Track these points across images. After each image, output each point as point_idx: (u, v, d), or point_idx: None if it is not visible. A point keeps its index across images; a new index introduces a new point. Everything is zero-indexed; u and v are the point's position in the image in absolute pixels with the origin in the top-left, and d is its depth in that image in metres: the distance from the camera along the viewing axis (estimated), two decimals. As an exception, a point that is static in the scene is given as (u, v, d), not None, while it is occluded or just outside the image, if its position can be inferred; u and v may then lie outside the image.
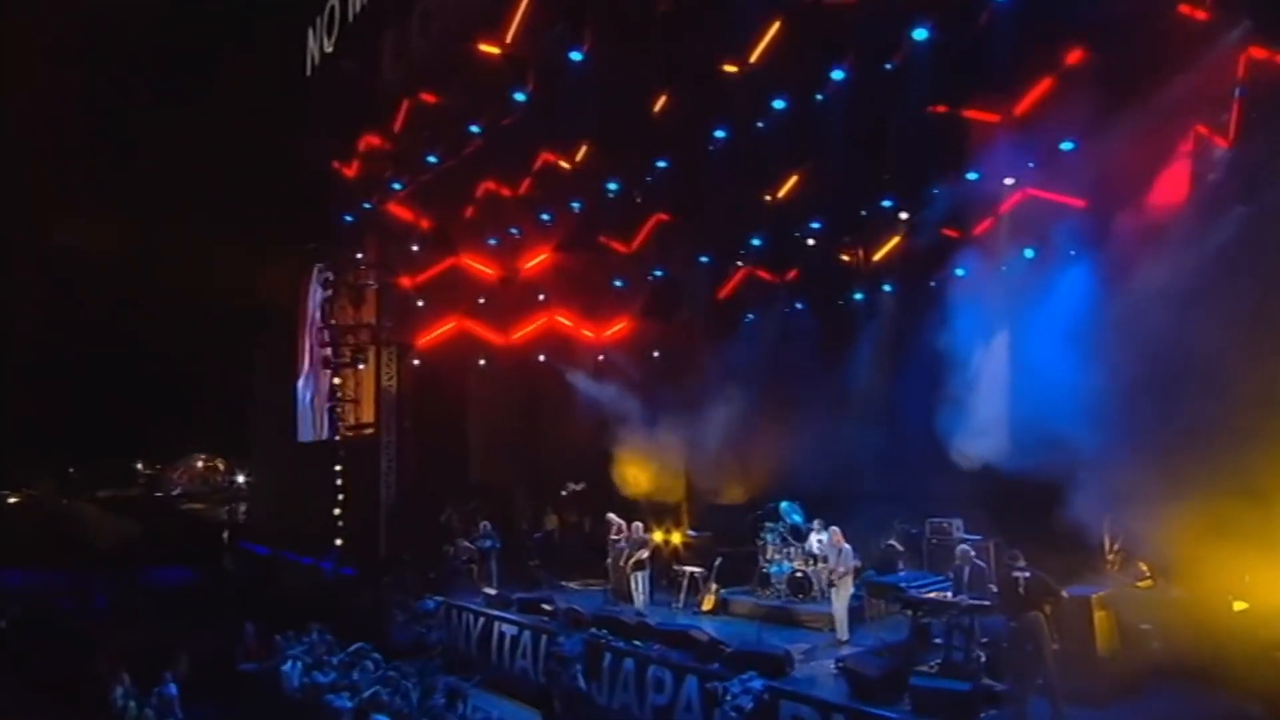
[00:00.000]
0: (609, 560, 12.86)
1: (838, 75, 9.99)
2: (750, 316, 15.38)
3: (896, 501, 11.87)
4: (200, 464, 34.12)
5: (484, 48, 11.94)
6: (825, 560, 10.72)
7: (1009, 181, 10.61)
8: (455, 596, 13.65)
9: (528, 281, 16.22)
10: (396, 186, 15.61)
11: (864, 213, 13.09)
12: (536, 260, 16.03)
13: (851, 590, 10.20)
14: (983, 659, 7.99)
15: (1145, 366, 8.16)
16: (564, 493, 16.09)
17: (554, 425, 17.48)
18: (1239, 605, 7.82)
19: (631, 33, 10.83)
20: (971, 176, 10.71)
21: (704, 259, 15.47)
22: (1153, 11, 8.36)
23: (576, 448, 16.44)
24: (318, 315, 18.76)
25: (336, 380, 18.01)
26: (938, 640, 8.58)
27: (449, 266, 16.32)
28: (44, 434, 26.55)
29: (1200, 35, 8.30)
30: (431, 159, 14.16)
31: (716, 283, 15.56)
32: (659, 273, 15.98)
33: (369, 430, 17.98)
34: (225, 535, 25.07)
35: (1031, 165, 10.20)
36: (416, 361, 17.38)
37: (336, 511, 17.78)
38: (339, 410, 17.93)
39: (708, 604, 11.93)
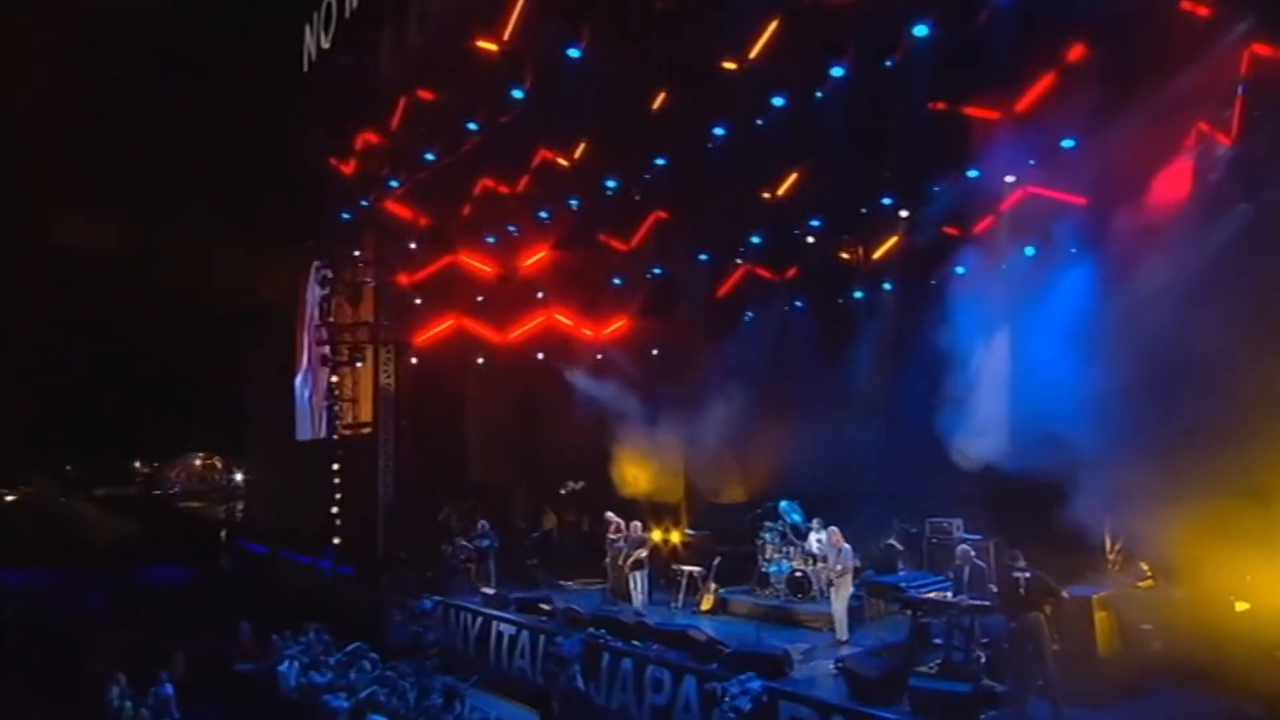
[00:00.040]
0: (607, 559, 12.82)
1: (837, 72, 9.91)
2: (750, 315, 15.35)
3: (896, 501, 11.84)
4: (198, 462, 34.08)
5: (481, 45, 11.86)
6: (824, 560, 10.68)
7: (1010, 179, 10.56)
8: (453, 596, 13.61)
9: (526, 280, 16.16)
10: (394, 184, 15.53)
11: (864, 210, 13.07)
12: (535, 258, 15.97)
13: (851, 590, 10.16)
14: (983, 659, 7.96)
15: (1146, 365, 8.12)
16: (563, 491, 16.04)
17: (552, 424, 17.44)
18: (1241, 605, 7.79)
19: (630, 30, 10.76)
20: (972, 174, 10.68)
21: (703, 257, 15.43)
22: (1155, 8, 8.31)
23: (575, 447, 16.40)
24: (315, 313, 18.68)
25: (334, 379, 17.95)
26: (937, 640, 8.55)
27: (447, 264, 16.26)
28: (41, 432, 26.51)
29: (1203, 32, 8.24)
30: (429, 156, 14.07)
31: (716, 281, 15.53)
32: (658, 271, 15.94)
33: (367, 429, 17.93)
34: (223, 534, 25.02)
35: (1032, 163, 10.16)
36: (414, 360, 17.32)
37: (334, 510, 17.73)
38: (337, 409, 17.87)
39: (706, 603, 11.90)
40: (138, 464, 33.69)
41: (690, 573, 12.33)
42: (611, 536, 12.80)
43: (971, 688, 7.61)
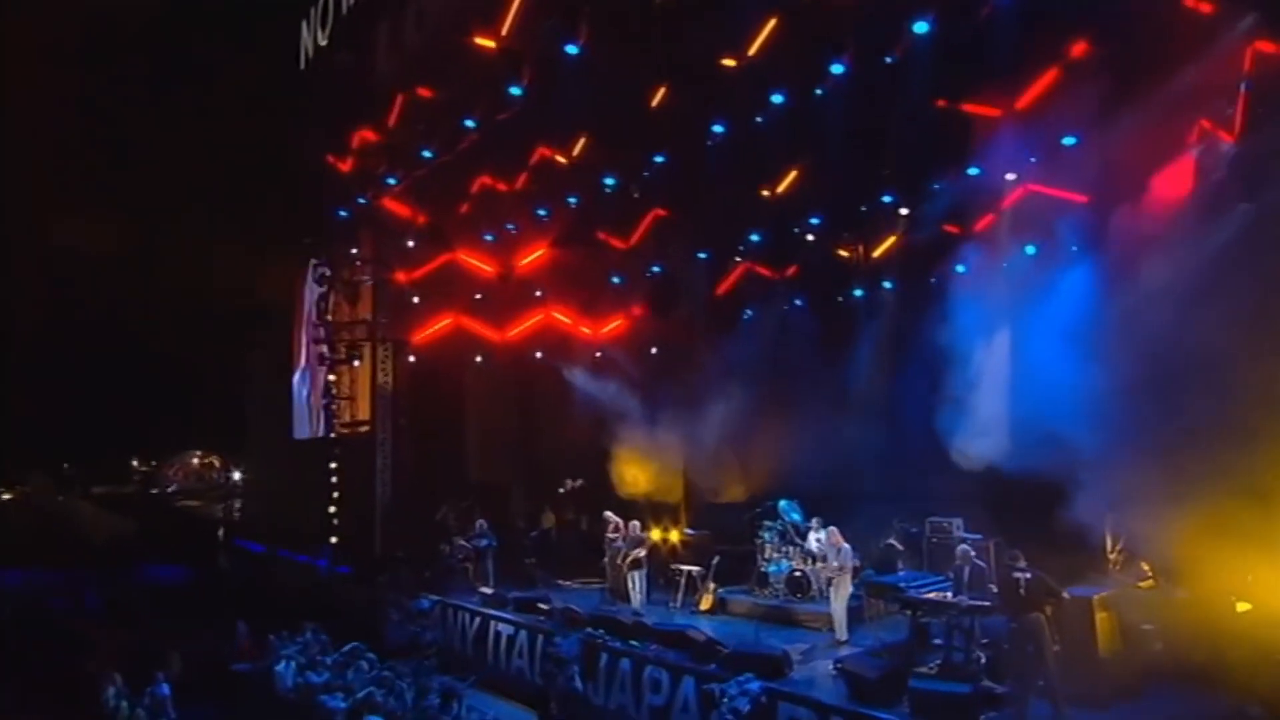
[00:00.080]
0: (606, 559, 12.77)
1: (837, 69, 9.86)
2: (749, 313, 15.30)
3: (896, 500, 11.80)
4: (196, 461, 33.99)
5: (479, 41, 11.80)
6: (824, 559, 10.64)
7: (1010, 177, 10.51)
8: (451, 595, 13.56)
9: (524, 278, 16.11)
10: (391, 181, 15.47)
11: (864, 208, 13.01)
12: (533, 256, 15.91)
13: (850, 590, 10.12)
14: (983, 660, 7.92)
15: (1147, 365, 8.08)
16: (561, 490, 16.00)
17: (551, 423, 17.40)
18: (1242, 606, 7.74)
19: (629, 27, 10.70)
20: (972, 172, 10.64)
21: (702, 255, 15.38)
22: (1156, 4, 8.25)
23: (574, 445, 16.36)
24: (313, 312, 18.62)
25: (332, 377, 17.88)
26: (937, 641, 8.51)
27: (445, 262, 16.21)
28: (39, 431, 26.47)
29: (1205, 29, 8.18)
30: (427, 154, 14.01)
31: (715, 279, 15.47)
32: (657, 269, 15.89)
33: (364, 428, 17.87)
34: (220, 533, 24.96)
35: (1033, 160, 10.11)
36: (412, 358, 17.28)
37: (332, 509, 17.67)
38: (334, 407, 17.80)
39: (705, 603, 11.86)
40: (135, 462, 33.63)
41: (689, 572, 12.29)
42: (610, 536, 12.76)
43: (971, 688, 7.57)
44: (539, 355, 16.80)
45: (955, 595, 8.42)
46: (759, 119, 10.88)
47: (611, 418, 15.28)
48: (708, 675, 8.96)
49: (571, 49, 10.66)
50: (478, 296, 16.46)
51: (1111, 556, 9.00)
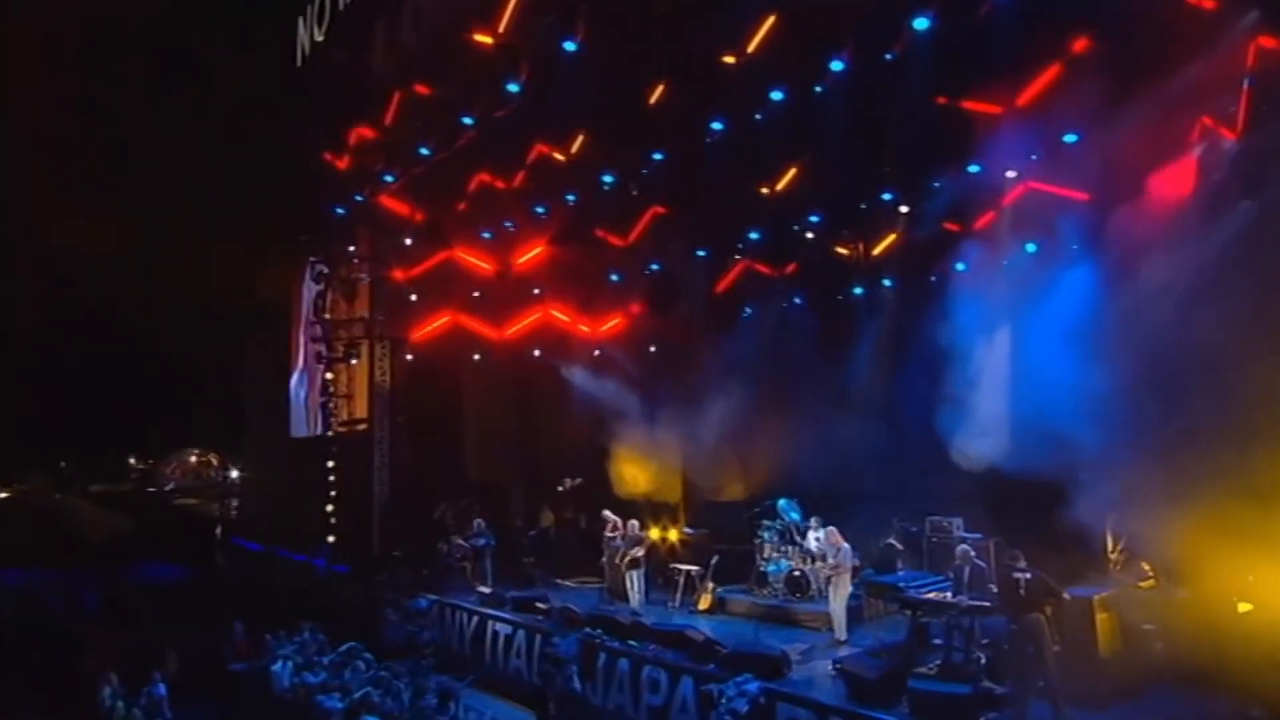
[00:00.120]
0: (604, 558, 12.72)
1: (837, 66, 9.81)
2: (748, 311, 15.25)
3: (896, 499, 11.75)
4: (194, 459, 33.92)
5: (477, 38, 11.72)
6: (823, 558, 10.60)
7: (1011, 174, 10.46)
8: (449, 595, 13.52)
9: (522, 275, 16.04)
10: (389, 179, 15.40)
11: (863, 206, 12.96)
12: (531, 254, 15.84)
13: (850, 589, 10.08)
14: (983, 660, 7.88)
15: (1148, 364, 8.04)
16: (560, 489, 15.94)
17: (550, 421, 17.34)
18: (1243, 606, 7.70)
19: (627, 23, 10.64)
20: (973, 169, 10.59)
21: (701, 252, 15.32)
22: (1158, 0, 8.18)
23: (572, 444, 16.31)
24: (311, 310, 18.55)
25: (329, 375, 17.82)
26: (937, 641, 8.47)
27: (443, 260, 16.14)
28: (37, 429, 26.42)
29: (1207, 24, 8.12)
30: (423, 151, 13.95)
31: (714, 276, 15.42)
32: (656, 266, 15.82)
33: (362, 426, 17.82)
34: (218, 531, 24.91)
35: (1034, 157, 10.06)
36: (410, 356, 17.22)
37: (329, 508, 17.62)
38: (332, 406, 17.74)
39: (704, 603, 11.81)
40: (133, 460, 33.58)
41: (688, 572, 12.25)
42: (609, 535, 12.71)
43: (971, 689, 7.53)
44: (537, 353, 16.75)
45: (955, 595, 8.38)
46: (758, 116, 10.81)
47: (610, 416, 15.23)
48: (706, 675, 8.92)
49: (569, 46, 10.59)
50: (476, 294, 16.40)
51: (1112, 556, 8.96)
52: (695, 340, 15.53)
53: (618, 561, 12.25)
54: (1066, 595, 7.76)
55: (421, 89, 13.96)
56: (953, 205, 11.38)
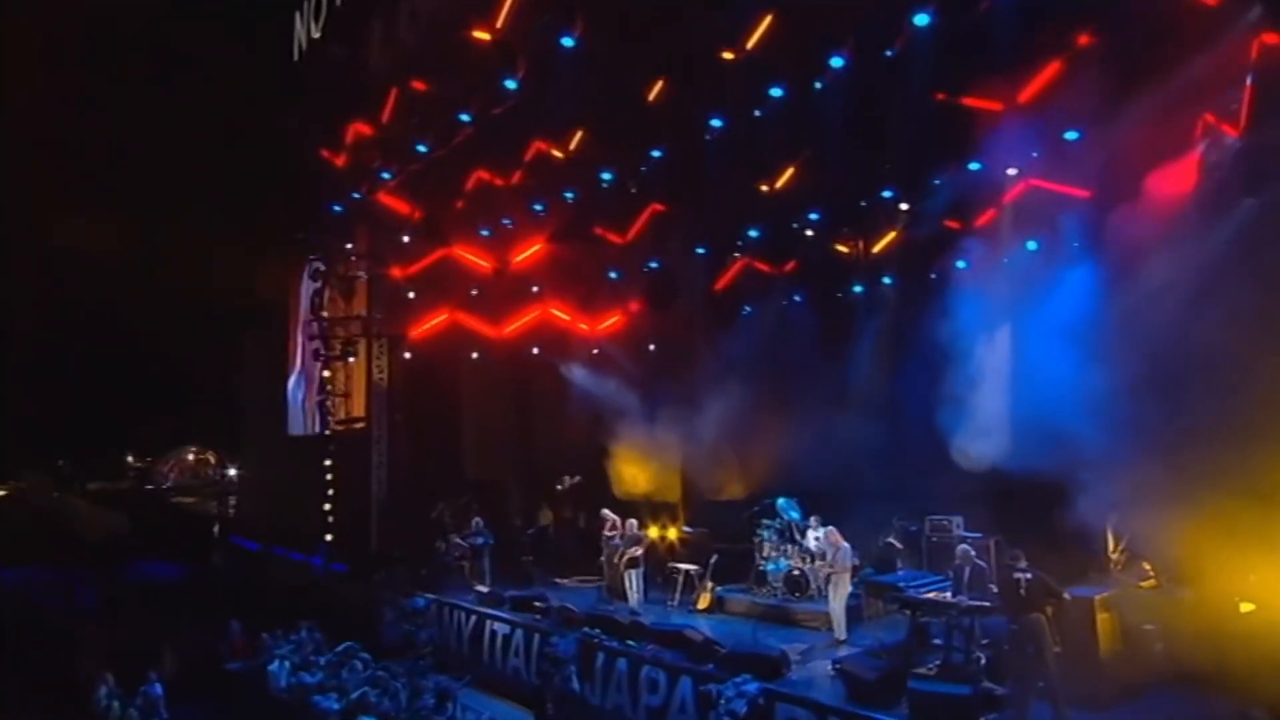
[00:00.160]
0: (603, 557, 12.67)
1: (837, 62, 9.77)
2: (748, 309, 15.19)
3: (895, 498, 11.68)
4: (191, 457, 33.84)
5: (474, 34, 11.64)
6: (823, 558, 10.55)
7: (1012, 171, 10.39)
8: (447, 594, 13.47)
9: (521, 273, 15.97)
10: (386, 176, 15.33)
11: (863, 203, 12.91)
12: (529, 252, 15.77)
13: (849, 589, 10.04)
14: (982, 661, 7.84)
15: (1150, 363, 8.00)
16: (559, 487, 15.89)
17: (548, 419, 17.28)
18: (1246, 607, 7.67)
19: (625, 19, 10.56)
20: (973, 166, 10.54)
21: (700, 250, 15.25)
22: (1161, -5, 8.13)
23: (571, 442, 16.25)
24: (308, 307, 18.49)
25: (326, 373, 17.76)
26: (937, 641, 8.42)
27: (441, 257, 16.07)
28: (34, 427, 26.36)
29: (1210, 20, 8.05)
30: (421, 148, 13.88)
31: (713, 274, 15.34)
32: (655, 264, 15.74)
33: (360, 424, 17.77)
34: (215, 530, 24.86)
35: (1035, 155, 9.98)
36: (408, 354, 17.16)
37: (327, 507, 17.56)
38: (329, 404, 17.67)
39: (703, 602, 11.77)
40: (131, 458, 33.51)
41: (687, 571, 12.21)
42: (607, 534, 12.66)
43: (971, 690, 7.49)
44: (536, 351, 16.68)
45: (955, 595, 8.33)
46: (758, 113, 10.76)
47: (609, 415, 15.17)
48: (705, 675, 8.88)
49: (567, 42, 10.52)
50: (474, 292, 16.34)
51: (1113, 556, 8.92)
52: (694, 338, 15.46)
53: (616, 560, 12.20)
54: (1067, 595, 7.73)
55: (419, 85, 13.88)
56: (953, 203, 11.32)
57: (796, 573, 11.27)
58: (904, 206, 12.43)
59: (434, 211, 15.71)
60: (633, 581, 11.89)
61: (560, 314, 16.39)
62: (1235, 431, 7.35)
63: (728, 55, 9.98)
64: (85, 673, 10.67)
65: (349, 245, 17.70)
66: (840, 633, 9.90)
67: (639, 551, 12.06)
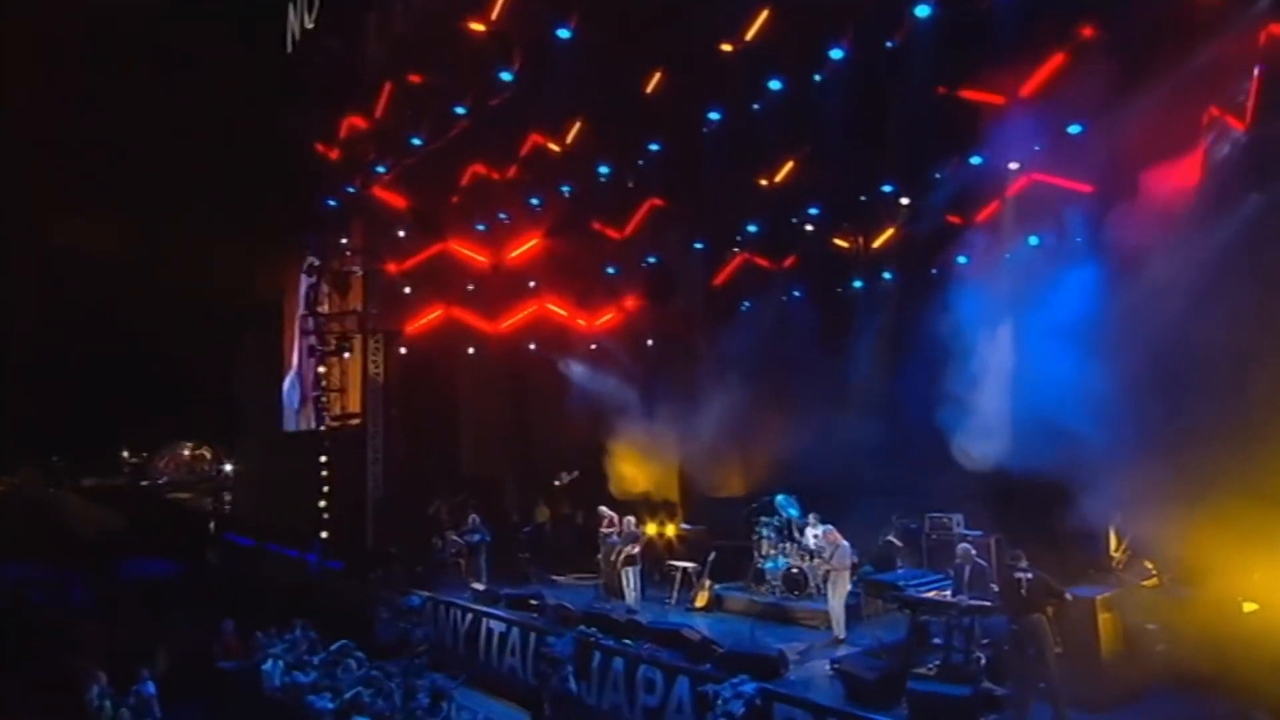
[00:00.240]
0: (600, 554, 12.58)
1: (836, 54, 9.65)
2: (747, 304, 15.11)
3: (895, 496, 11.60)
4: (187, 452, 33.68)
5: (469, 25, 11.49)
6: (822, 555, 10.46)
7: (1014, 166, 10.32)
8: (442, 592, 13.38)
9: (517, 268, 15.85)
10: (381, 169, 15.18)
11: (864, 198, 12.84)
12: (526, 246, 15.65)
13: (849, 587, 9.96)
14: (983, 661, 7.76)
15: (1152, 360, 7.92)
16: (557, 483, 15.80)
17: (545, 415, 17.20)
18: (1249, 606, 7.59)
19: (621, 9, 10.42)
20: (975, 160, 10.46)
21: (699, 245, 15.17)
22: (1166, -13, 8.01)
23: (568, 438, 16.16)
24: (303, 303, 18.37)
25: (322, 369, 17.63)
26: (936, 641, 8.34)
27: (436, 252, 15.94)
28: (29, 423, 26.24)
29: (1216, 11, 7.94)
30: (416, 141, 13.73)
31: (712, 269, 15.28)
32: (653, 259, 15.64)
33: (355, 420, 17.66)
34: (210, 526, 24.76)
35: (1038, 148, 9.88)
36: (404, 350, 17.06)
37: (322, 504, 17.46)
38: (324, 400, 17.56)
39: (701, 600, 11.68)
40: (126, 454, 33.35)
41: (685, 568, 12.14)
42: (605, 531, 12.56)
43: (971, 691, 7.40)
44: (533, 347, 16.57)
45: (956, 595, 8.24)
46: (757, 106, 10.65)
47: (607, 410, 15.08)
48: (702, 675, 8.80)
49: (563, 33, 10.37)
50: (470, 287, 16.24)
51: (1115, 555, 8.84)
52: (693, 334, 15.39)
53: (613, 558, 12.11)
54: (1068, 595, 7.65)
55: (413, 77, 13.73)
56: (954, 197, 11.24)
57: (795, 571, 11.18)
58: (904, 201, 12.35)
59: (430, 206, 15.57)
60: (630, 579, 11.81)
61: (557, 309, 16.29)
62: (1239, 430, 7.29)
63: (726, 47, 9.86)
64: (78, 671, 10.54)
65: (344, 240, 17.56)
66: (839, 631, 9.82)
67: (636, 549, 11.97)
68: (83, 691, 10.00)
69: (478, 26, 11.52)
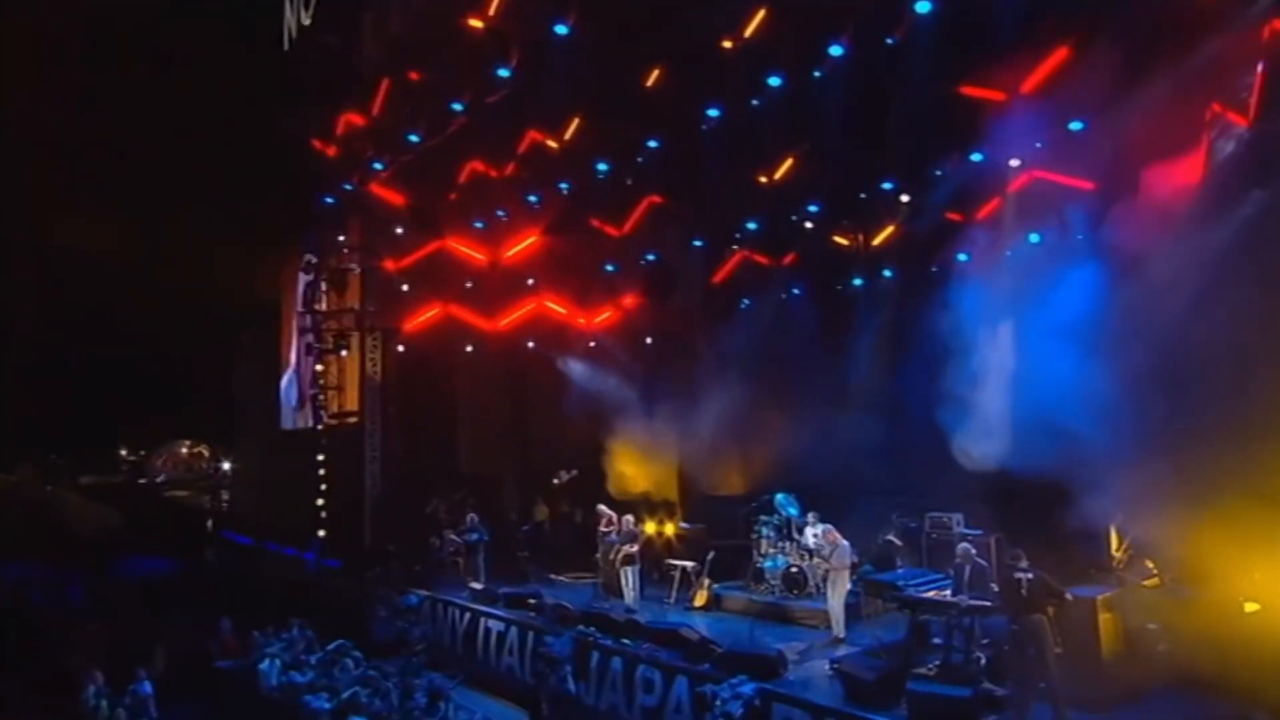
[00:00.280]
0: (599, 554, 12.54)
1: (836, 51, 9.60)
2: (746, 302, 15.06)
3: (895, 494, 11.56)
4: (184, 450, 33.61)
5: (467, 21, 11.42)
6: (821, 554, 10.42)
7: (1015, 162, 10.24)
8: (440, 591, 13.34)
9: (516, 266, 15.80)
10: (378, 167, 15.11)
11: (863, 195, 12.79)
12: (524, 244, 15.59)
13: (848, 586, 9.92)
14: (983, 661, 7.72)
15: (1154, 358, 7.85)
16: (555, 481, 15.76)
17: (544, 413, 17.15)
18: (1250, 606, 7.53)
19: (620, 5, 10.35)
20: (976, 157, 10.40)
21: (698, 242, 15.12)
22: (1169, -18, 7.94)
23: (567, 437, 16.12)
24: (301, 301, 18.31)
25: (319, 367, 17.58)
26: (936, 641, 8.30)
27: (434, 250, 15.88)
28: (26, 420, 26.19)
29: (1219, 8, 7.87)
30: (413, 138, 13.66)
31: (711, 267, 15.23)
32: (652, 257, 15.59)
33: (353, 418, 17.61)
34: (209, 524, 24.74)
35: (1039, 145, 9.81)
36: (401, 348, 17.00)
37: (320, 502, 17.42)
38: (322, 398, 17.50)
39: (700, 599, 11.64)
40: (124, 452, 33.29)
41: (683, 568, 12.09)
42: (603, 530, 12.51)
43: (971, 691, 7.36)
44: (531, 345, 16.52)
45: (956, 594, 8.20)
46: (756, 102, 10.59)
47: (606, 409, 15.03)
48: (701, 675, 8.76)
49: (561, 29, 10.30)
50: (468, 285, 16.19)
51: (1116, 555, 8.80)
52: (692, 332, 15.34)
53: (612, 557, 12.06)
54: (1069, 595, 7.61)
55: (411, 74, 13.66)
56: (955, 194, 11.19)
57: (794, 570, 11.14)
58: (905, 198, 12.30)
59: (427, 203, 15.52)
60: (629, 578, 11.76)
61: (556, 307, 16.24)
62: (1241, 429, 7.23)
63: (725, 43, 9.80)
64: (75, 670, 10.50)
65: (341, 237, 17.50)
66: (839, 631, 9.78)
67: (635, 548, 11.92)
68: (79, 691, 9.95)
69: (475, 23, 11.46)
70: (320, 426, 17.73)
